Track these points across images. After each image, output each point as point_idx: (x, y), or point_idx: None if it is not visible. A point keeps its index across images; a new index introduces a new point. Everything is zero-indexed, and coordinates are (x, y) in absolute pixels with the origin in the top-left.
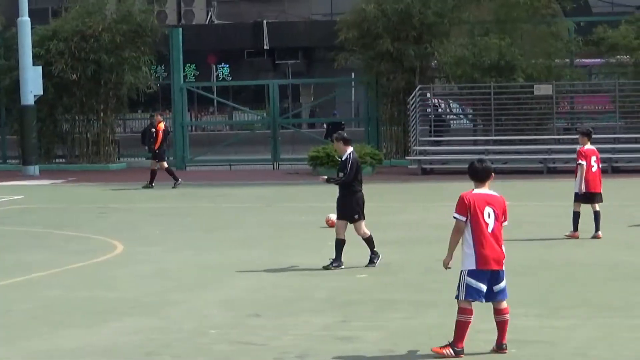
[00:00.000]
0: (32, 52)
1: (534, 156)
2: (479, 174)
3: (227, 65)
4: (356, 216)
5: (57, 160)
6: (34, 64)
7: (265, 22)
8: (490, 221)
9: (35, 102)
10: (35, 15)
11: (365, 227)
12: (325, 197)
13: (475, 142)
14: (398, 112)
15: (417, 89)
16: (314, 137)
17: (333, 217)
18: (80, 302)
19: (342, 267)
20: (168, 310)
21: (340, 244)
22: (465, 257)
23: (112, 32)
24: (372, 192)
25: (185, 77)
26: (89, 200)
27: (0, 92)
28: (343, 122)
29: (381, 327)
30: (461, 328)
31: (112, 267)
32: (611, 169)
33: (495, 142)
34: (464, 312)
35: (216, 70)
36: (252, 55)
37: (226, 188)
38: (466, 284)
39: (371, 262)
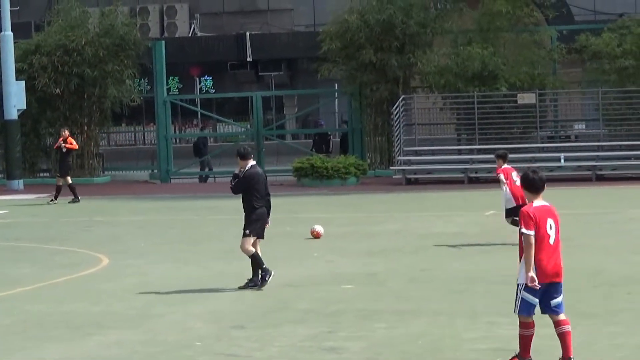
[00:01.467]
0: (15, 66)
1: (518, 165)
2: (537, 185)
3: (211, 78)
4: (247, 231)
5: (41, 175)
6: (17, 79)
7: (248, 34)
8: (552, 233)
9: (18, 116)
10: (18, 30)
11: (250, 245)
12: (310, 208)
13: (459, 152)
14: (382, 122)
15: (400, 99)
16: (298, 149)
17: (318, 228)
18: (64, 316)
19: (273, 274)
20: (152, 323)
21: (258, 258)
22: (524, 271)
23: (95, 45)
24: (357, 203)
25: (168, 89)
26: (74, 213)
27: None
28: (329, 133)
29: (366, 337)
30: (524, 341)
31: (97, 280)
32: (595, 177)
33: (479, 152)
34: (525, 327)
35: (199, 83)
36: (235, 67)
37: (210, 200)
38: (522, 298)
39: (247, 284)
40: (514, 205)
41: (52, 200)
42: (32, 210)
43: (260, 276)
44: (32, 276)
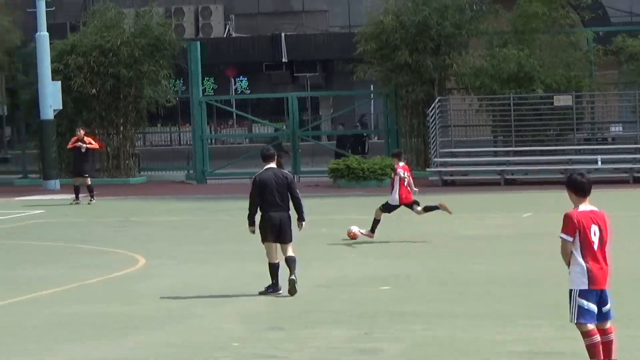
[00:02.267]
0: (51, 67)
1: (554, 167)
2: (584, 187)
3: (246, 79)
4: (261, 238)
5: None
6: (53, 79)
7: (283, 34)
8: (596, 239)
9: (54, 116)
10: (54, 30)
11: (270, 252)
12: (346, 209)
13: (495, 154)
14: (417, 123)
15: (436, 101)
16: (333, 150)
17: (355, 229)
18: (99, 316)
19: (280, 292)
20: (188, 324)
21: (271, 268)
22: (575, 277)
23: (130, 46)
24: None
25: (204, 90)
26: (110, 214)
27: (20, 107)
28: (365, 134)
29: (403, 338)
30: (593, 351)
31: (133, 281)
32: (632, 179)
33: (516, 154)
34: (587, 335)
35: (235, 84)
36: (271, 68)
37: (246, 201)
38: (578, 305)
39: (266, 289)
40: (397, 204)
41: (90, 200)
42: (68, 210)
43: (273, 283)
44: (68, 276)
